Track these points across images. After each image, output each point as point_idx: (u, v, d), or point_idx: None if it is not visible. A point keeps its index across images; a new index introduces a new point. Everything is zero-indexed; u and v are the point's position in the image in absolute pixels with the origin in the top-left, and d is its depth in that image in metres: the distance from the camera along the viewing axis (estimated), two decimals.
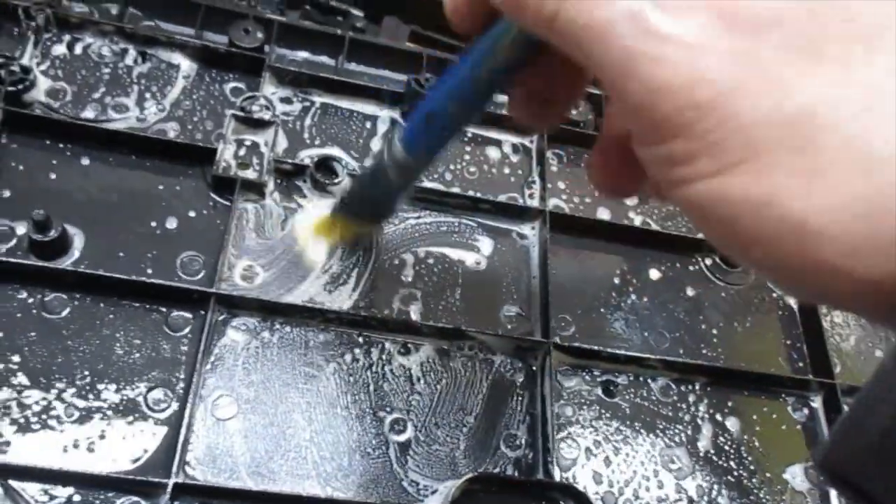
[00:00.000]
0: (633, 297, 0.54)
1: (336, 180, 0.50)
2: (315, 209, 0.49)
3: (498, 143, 0.57)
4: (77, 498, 0.38)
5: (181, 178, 0.49)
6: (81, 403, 0.41)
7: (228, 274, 0.47)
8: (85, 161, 0.48)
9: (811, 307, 0.56)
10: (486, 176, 0.56)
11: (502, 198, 0.54)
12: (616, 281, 0.54)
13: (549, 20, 0.22)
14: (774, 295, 0.57)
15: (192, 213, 0.48)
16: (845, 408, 0.53)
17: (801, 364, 0.55)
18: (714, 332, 0.54)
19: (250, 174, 0.49)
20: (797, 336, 0.56)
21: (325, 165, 0.51)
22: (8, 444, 0.39)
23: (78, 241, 0.45)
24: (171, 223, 0.48)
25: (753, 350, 0.54)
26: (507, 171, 0.57)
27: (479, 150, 0.57)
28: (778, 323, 0.56)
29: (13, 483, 0.38)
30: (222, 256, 0.46)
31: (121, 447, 0.40)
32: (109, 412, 0.41)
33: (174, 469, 0.39)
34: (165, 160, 0.49)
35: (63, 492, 0.38)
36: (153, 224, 0.47)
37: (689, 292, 0.56)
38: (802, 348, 0.55)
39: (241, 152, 0.50)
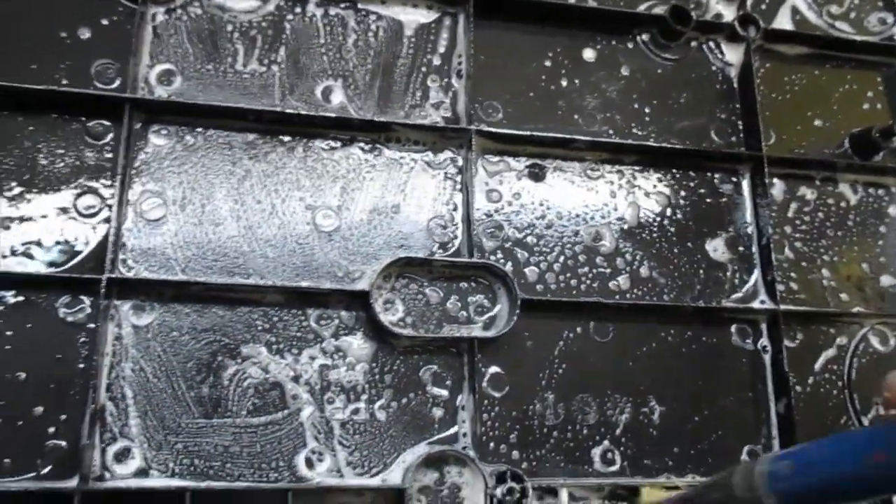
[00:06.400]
0: (565, 80, 0.54)
1: None
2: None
3: None
4: (20, 299, 0.42)
5: None
6: (14, 213, 0.43)
7: (144, 79, 0.47)
8: None
9: (750, 78, 0.55)
10: None
11: None
12: (547, 64, 0.54)
13: None
14: (714, 68, 0.56)
15: (104, 22, 0.48)
16: (775, 181, 0.54)
17: (733, 139, 0.55)
18: (647, 110, 0.54)
19: None
20: (733, 110, 0.55)
21: None
22: None
23: None
24: (85, 34, 0.47)
25: (686, 126, 0.54)
26: None
27: None
28: (715, 97, 0.56)
29: None
30: (134, 61, 0.46)
31: (56, 251, 0.43)
32: (42, 219, 0.43)
33: (107, 266, 0.42)
34: None
35: (4, 294, 0.42)
36: (63, 35, 0.47)
37: (624, 71, 0.55)
38: (737, 123, 0.55)
39: None
